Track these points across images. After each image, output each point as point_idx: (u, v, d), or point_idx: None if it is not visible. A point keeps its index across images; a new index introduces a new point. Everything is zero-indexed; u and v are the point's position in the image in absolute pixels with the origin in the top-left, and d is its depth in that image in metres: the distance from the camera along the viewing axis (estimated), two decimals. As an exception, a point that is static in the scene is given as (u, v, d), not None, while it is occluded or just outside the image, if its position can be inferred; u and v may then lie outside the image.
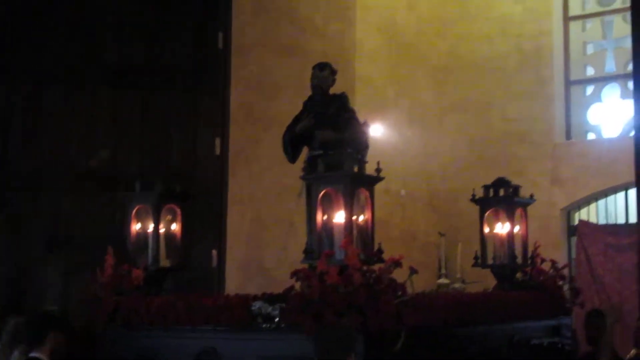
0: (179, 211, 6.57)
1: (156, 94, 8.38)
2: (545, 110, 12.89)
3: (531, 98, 12.90)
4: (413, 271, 5.28)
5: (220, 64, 8.55)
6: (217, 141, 8.42)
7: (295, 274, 5.19)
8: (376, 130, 11.69)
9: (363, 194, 5.60)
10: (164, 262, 6.48)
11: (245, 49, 9.73)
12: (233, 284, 8.60)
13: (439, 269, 10.39)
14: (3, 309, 7.09)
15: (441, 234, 11.41)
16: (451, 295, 6.25)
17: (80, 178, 8.14)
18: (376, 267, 5.32)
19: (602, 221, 12.54)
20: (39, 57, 8.32)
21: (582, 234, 12.28)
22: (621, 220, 12.33)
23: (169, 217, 6.54)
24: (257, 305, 5.32)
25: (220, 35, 8.54)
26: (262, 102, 10.04)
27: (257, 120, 9.92)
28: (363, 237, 5.59)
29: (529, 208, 7.54)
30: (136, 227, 6.49)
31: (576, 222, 12.60)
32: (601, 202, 12.63)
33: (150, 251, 6.41)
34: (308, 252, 5.65)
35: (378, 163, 5.68)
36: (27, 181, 8.16)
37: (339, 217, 5.46)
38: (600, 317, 7.28)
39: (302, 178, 5.97)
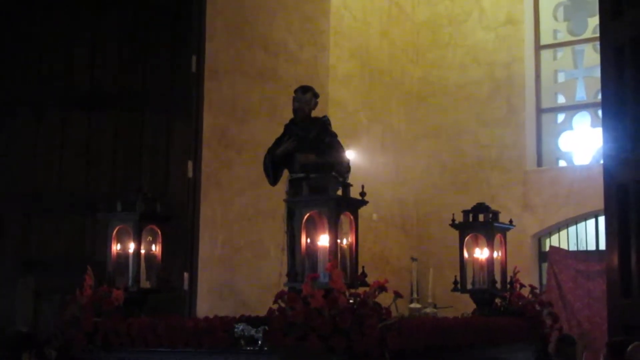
0: (159, 232, 6.50)
1: (128, 117, 8.35)
2: (516, 137, 13.02)
3: (503, 125, 13.04)
4: (398, 296, 5.30)
5: (193, 87, 8.53)
6: (190, 164, 8.39)
7: (279, 297, 5.18)
8: (348, 155, 11.72)
9: (347, 217, 5.61)
10: (144, 284, 6.42)
11: (219, 73, 9.74)
12: (204, 307, 8.56)
13: (411, 293, 10.43)
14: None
15: (413, 259, 11.47)
16: (434, 320, 6.25)
17: (51, 199, 8.08)
18: (360, 290, 5.33)
19: (572, 248, 12.65)
20: (8, 79, 8.27)
21: (553, 260, 12.37)
22: (591, 247, 12.44)
23: (150, 237, 6.47)
24: (240, 327, 5.29)
25: (194, 58, 8.52)
26: (235, 126, 10.04)
27: (230, 144, 9.92)
28: (347, 260, 5.59)
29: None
30: (116, 247, 6.42)
31: (547, 248, 12.69)
32: (572, 228, 12.75)
33: (130, 272, 6.32)
34: (291, 275, 5.62)
35: (362, 187, 5.70)
36: (-4, 203, 8.09)
37: (323, 240, 5.46)
38: (569, 343, 7.31)
39: (286, 201, 5.97)
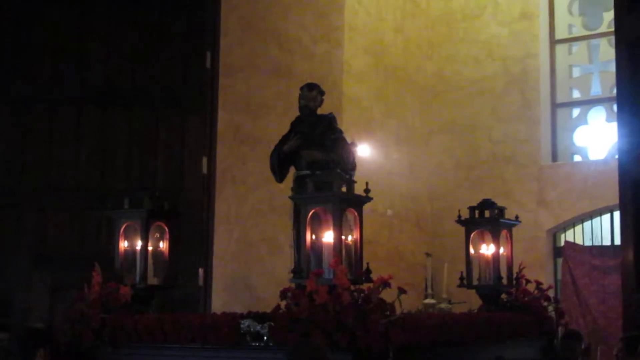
0: (167, 229, 6.54)
1: (143, 113, 8.39)
2: (531, 132, 12.97)
3: (517, 120, 12.99)
4: (401, 291, 5.30)
5: (208, 83, 8.57)
6: (204, 160, 8.43)
7: (284, 292, 5.20)
8: (363, 151, 11.73)
9: (352, 214, 5.62)
10: (152, 280, 6.45)
11: (233, 69, 9.77)
12: (219, 303, 8.60)
13: (426, 288, 10.40)
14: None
15: (428, 254, 11.43)
16: (438, 316, 6.27)
17: (67, 196, 8.13)
18: (365, 286, 5.35)
19: (587, 243, 12.59)
20: (24, 76, 8.33)
21: (567, 255, 12.32)
22: (607, 242, 12.37)
23: (157, 234, 6.50)
24: (246, 323, 5.33)
25: (208, 55, 8.56)
26: (249, 122, 10.07)
27: (244, 139, 9.95)
28: (351, 256, 5.61)
29: (515, 229, 7.58)
30: (124, 244, 6.46)
31: (562, 243, 12.64)
32: (587, 223, 12.69)
33: (138, 269, 6.37)
34: (297, 272, 5.65)
35: (367, 184, 5.70)
36: (12, 198, 8.15)
37: (328, 236, 5.49)
38: (575, 339, 7.29)
39: (291, 198, 6.01)
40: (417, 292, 11.63)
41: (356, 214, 5.64)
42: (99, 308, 6.03)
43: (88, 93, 8.37)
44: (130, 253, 6.46)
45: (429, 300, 10.30)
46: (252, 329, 5.27)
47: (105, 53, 8.42)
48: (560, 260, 12.52)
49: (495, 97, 13.20)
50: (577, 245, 12.49)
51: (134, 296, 6.18)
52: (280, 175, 6.94)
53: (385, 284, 5.22)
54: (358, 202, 5.67)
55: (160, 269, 6.53)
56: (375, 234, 11.84)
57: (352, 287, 5.22)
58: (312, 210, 5.57)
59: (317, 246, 5.58)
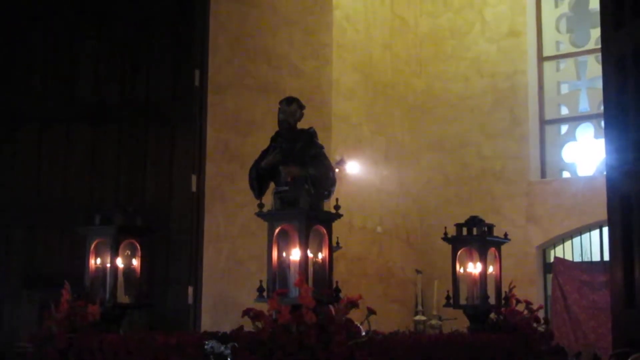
0: (139, 246, 6.33)
1: (132, 131, 8.38)
2: (520, 148, 13.03)
3: (506, 137, 13.05)
4: (371, 312, 5.12)
5: (196, 101, 8.56)
6: (194, 178, 8.41)
7: (246, 312, 5.02)
8: (352, 168, 11.76)
9: (320, 230, 5.40)
10: (123, 299, 6.25)
11: (222, 86, 9.77)
12: (209, 321, 8.56)
13: (416, 305, 10.41)
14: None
15: (418, 271, 11.45)
16: (410, 337, 6.01)
17: (55, 214, 8.10)
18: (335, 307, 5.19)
19: (577, 259, 12.63)
20: (13, 93, 8.31)
21: (557, 271, 12.35)
22: (596, 258, 12.42)
23: (128, 252, 6.28)
24: (209, 344, 5.22)
25: (197, 72, 8.56)
26: (238, 139, 10.06)
27: (234, 157, 9.94)
28: (319, 275, 5.38)
29: (505, 245, 7.49)
30: (96, 261, 6.25)
31: (551, 259, 12.68)
32: (576, 239, 12.73)
33: (108, 287, 6.17)
34: (260, 291, 5.42)
35: (337, 200, 5.56)
36: (0, 217, 8.11)
37: (295, 254, 5.29)
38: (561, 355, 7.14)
39: (257, 215, 5.81)
40: (407, 308, 11.63)
41: (325, 231, 5.41)
42: (66, 327, 5.84)
43: (77, 110, 8.35)
44: (101, 270, 6.24)
45: (419, 317, 10.30)
46: (215, 350, 5.16)
47: (94, 70, 8.42)
48: (550, 276, 12.54)
49: (484, 113, 13.27)
50: (567, 261, 12.53)
51: (104, 315, 6.02)
52: (259, 192, 6.72)
53: (352, 304, 5.01)
54: (326, 218, 5.45)
55: (131, 287, 6.30)
56: (366, 251, 11.84)
57: (318, 307, 4.98)
58: (279, 228, 5.38)
59: (284, 264, 5.36)
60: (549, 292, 12.51)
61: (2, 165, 8.28)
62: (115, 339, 5.73)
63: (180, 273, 8.07)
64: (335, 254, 5.72)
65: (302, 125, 6.81)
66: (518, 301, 7.09)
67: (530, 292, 12.27)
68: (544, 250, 12.86)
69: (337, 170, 11.38)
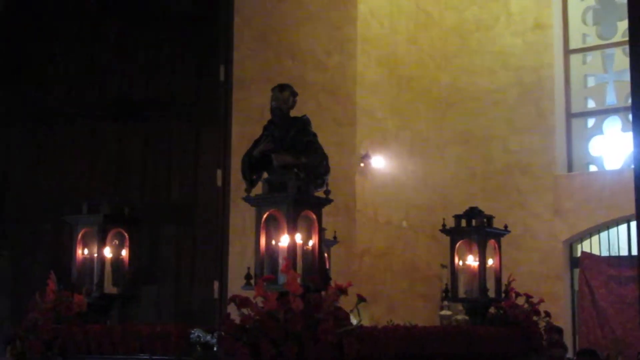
0: (127, 235, 6.25)
1: (158, 126, 8.42)
2: (546, 142, 12.93)
3: (532, 130, 12.95)
4: (360, 299, 5.03)
5: (221, 96, 8.59)
6: (219, 172, 8.43)
7: (232, 299, 4.92)
8: (377, 162, 11.73)
9: (310, 216, 5.32)
10: (111, 289, 6.15)
11: (247, 81, 9.77)
12: (234, 315, 8.57)
13: (442, 300, 10.37)
14: (7, 340, 7.03)
15: (443, 266, 11.39)
16: (402, 328, 5.86)
17: (82, 210, 8.15)
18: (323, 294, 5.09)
19: (604, 253, 12.52)
20: (40, 92, 8.37)
21: (584, 266, 12.26)
22: (624, 252, 12.31)
23: (117, 241, 6.20)
24: (195, 333, 5.17)
25: (222, 67, 8.58)
26: (263, 134, 10.06)
27: (258, 152, 9.94)
28: (308, 261, 5.27)
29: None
30: (82, 251, 6.15)
31: (578, 254, 12.58)
32: (603, 234, 12.62)
33: (95, 277, 6.08)
34: (248, 278, 5.33)
35: (327, 184, 5.49)
36: (28, 213, 8.18)
37: (284, 240, 5.19)
38: (589, 356, 7.05)
39: (244, 199, 5.57)
40: (433, 304, 11.59)
41: (314, 216, 5.31)
42: (51, 318, 5.77)
43: (103, 106, 8.40)
44: (89, 260, 6.14)
45: (445, 312, 10.27)
46: (201, 339, 5.11)
47: (119, 67, 8.46)
48: (577, 271, 12.45)
49: (510, 107, 13.18)
50: (594, 255, 12.43)
51: (91, 306, 5.93)
52: (250, 181, 6.56)
53: (341, 290, 4.91)
54: (316, 204, 5.35)
55: (119, 277, 6.21)
56: (391, 246, 11.81)
57: (306, 294, 4.86)
58: (267, 213, 5.26)
59: (273, 250, 5.25)
60: (576, 287, 12.42)
61: (29, 162, 8.34)
62: (99, 329, 5.62)
63: (205, 268, 8.10)
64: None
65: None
66: (518, 294, 6.92)
67: (557, 287, 12.20)
68: (570, 244, 12.76)
69: (362, 164, 11.38)
